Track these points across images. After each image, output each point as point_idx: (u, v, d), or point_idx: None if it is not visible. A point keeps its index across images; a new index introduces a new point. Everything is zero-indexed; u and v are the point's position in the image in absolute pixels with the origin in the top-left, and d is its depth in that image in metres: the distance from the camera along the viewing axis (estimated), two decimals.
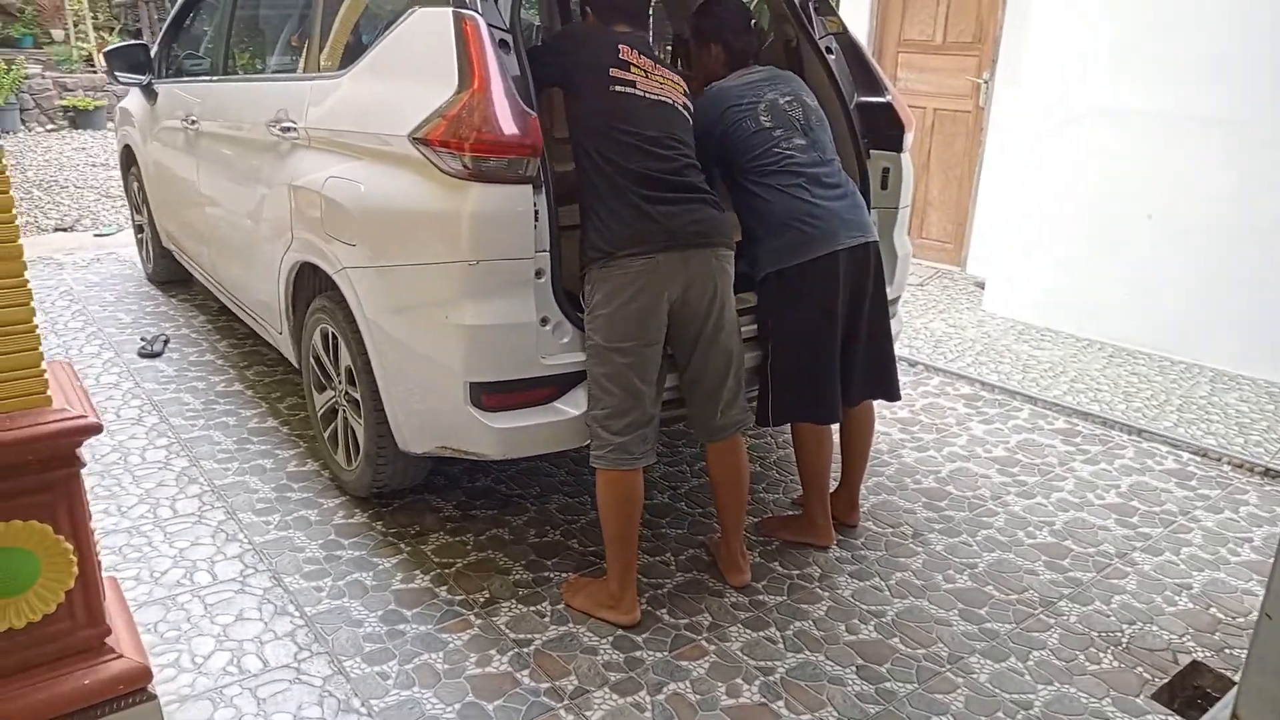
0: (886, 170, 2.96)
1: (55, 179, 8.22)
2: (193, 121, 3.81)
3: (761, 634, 2.35)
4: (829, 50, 2.94)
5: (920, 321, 4.76)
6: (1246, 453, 3.37)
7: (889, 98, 2.91)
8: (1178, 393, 3.90)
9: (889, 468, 3.28)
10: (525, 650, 2.24)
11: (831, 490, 2.94)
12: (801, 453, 2.71)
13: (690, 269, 2.22)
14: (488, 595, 2.46)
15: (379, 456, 2.67)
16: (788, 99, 2.56)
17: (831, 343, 2.55)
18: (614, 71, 2.24)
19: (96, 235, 6.12)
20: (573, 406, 2.34)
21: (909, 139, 2.96)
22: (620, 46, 2.28)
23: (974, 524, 2.92)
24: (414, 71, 2.38)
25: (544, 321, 2.30)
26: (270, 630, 2.27)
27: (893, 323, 3.11)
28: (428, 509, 2.88)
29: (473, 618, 2.36)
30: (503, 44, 2.23)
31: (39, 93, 11.29)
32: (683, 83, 2.41)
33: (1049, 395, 3.85)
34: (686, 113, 2.36)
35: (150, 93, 4.42)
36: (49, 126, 11.30)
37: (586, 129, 2.26)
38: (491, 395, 2.28)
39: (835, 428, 2.71)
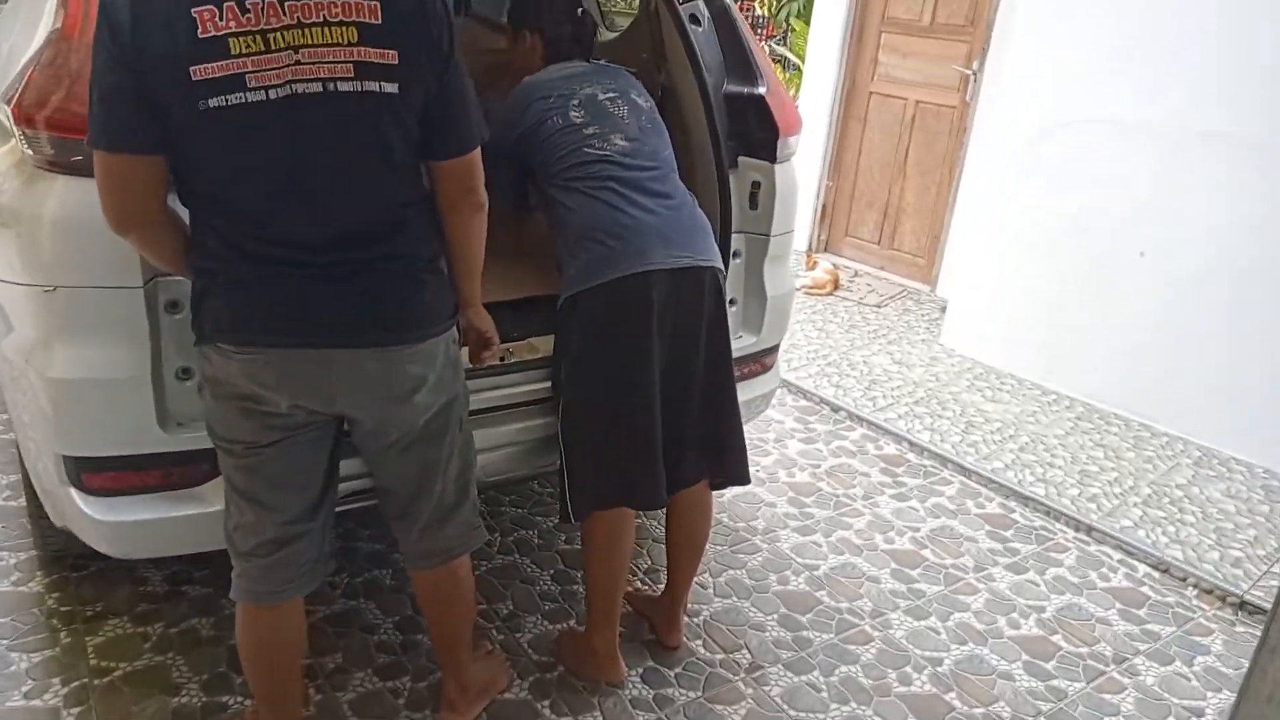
0: (757, 184, 2.23)
1: None
2: None
3: None
4: (694, 20, 2.21)
5: (862, 354, 4.02)
6: (1220, 574, 2.61)
7: (762, 89, 2.18)
8: (1150, 477, 3.14)
9: (756, 556, 2.58)
10: None
11: (657, 593, 2.28)
12: (585, 550, 2.03)
13: (338, 374, 1.44)
14: None
15: (39, 514, 2.03)
16: (611, 95, 1.99)
17: (641, 398, 1.87)
18: (198, 71, 1.23)
19: None
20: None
21: (788, 146, 2.23)
22: (197, 12, 1.22)
23: (835, 656, 2.22)
24: (35, 12, 1.71)
25: (183, 374, 1.64)
26: None
27: (764, 379, 2.42)
28: (128, 579, 2.24)
29: None
30: None
31: None
32: (374, 5, 1.30)
33: (988, 467, 3.11)
34: (369, 93, 1.32)
35: None
36: None
37: (182, 187, 1.37)
38: (94, 474, 1.62)
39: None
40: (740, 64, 2.20)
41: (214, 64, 1.24)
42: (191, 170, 1.33)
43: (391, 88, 1.34)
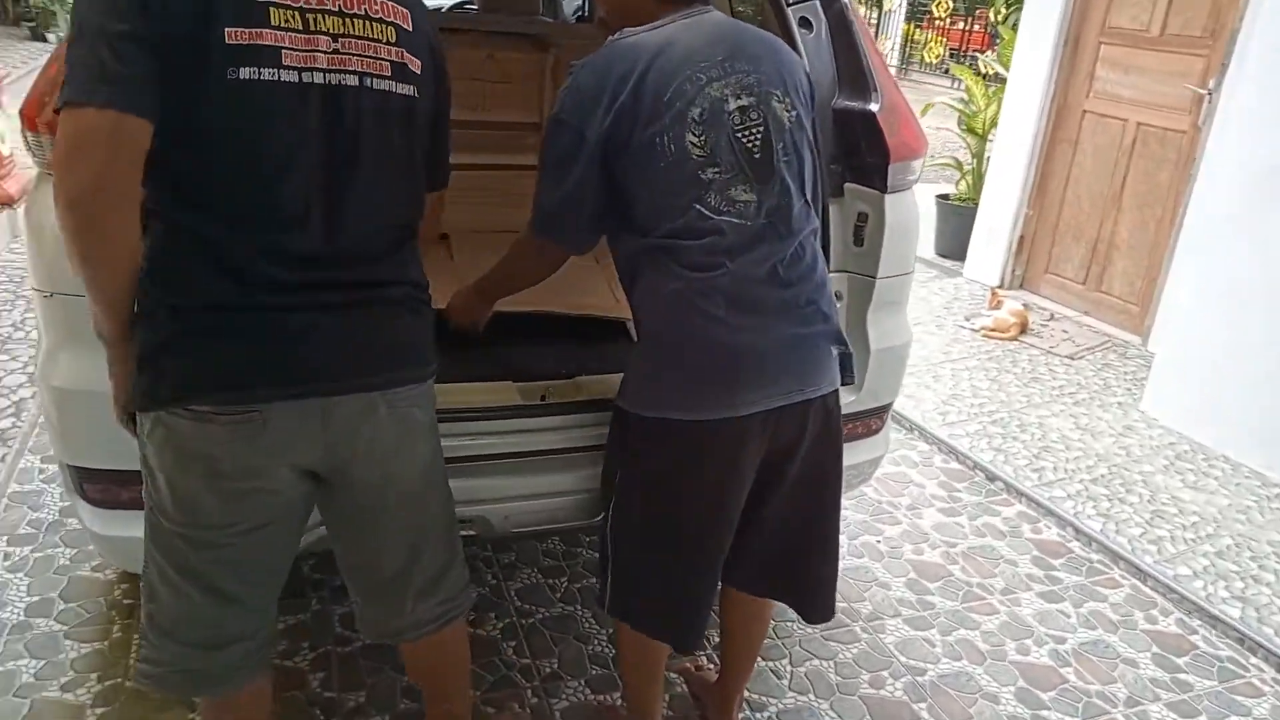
0: (863, 217, 1.90)
1: None
2: None
3: None
4: (805, 24, 1.91)
5: (1038, 414, 3.47)
6: None
7: (875, 106, 1.84)
8: None
9: (851, 647, 2.22)
10: None
11: (714, 676, 1.99)
12: (619, 649, 1.78)
13: (335, 427, 1.24)
14: None
15: None
16: (745, 102, 1.39)
17: (704, 545, 1.55)
18: (233, 34, 1.08)
19: None
20: None
21: (907, 171, 1.88)
22: None
23: None
24: None
25: None
26: None
27: (866, 444, 2.08)
28: None
29: None
30: None
31: None
32: (405, 11, 1.23)
33: (1170, 572, 2.54)
34: (402, 95, 1.23)
35: None
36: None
37: (170, 190, 1.14)
38: (95, 485, 1.58)
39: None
40: (854, 76, 1.88)
41: (251, 29, 1.09)
42: (193, 159, 1.11)
43: (416, 96, 1.26)
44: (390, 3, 1.22)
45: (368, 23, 1.19)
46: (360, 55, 1.18)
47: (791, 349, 1.46)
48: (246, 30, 1.09)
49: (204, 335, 1.15)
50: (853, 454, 2.06)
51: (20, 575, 2.16)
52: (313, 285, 1.20)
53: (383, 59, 1.20)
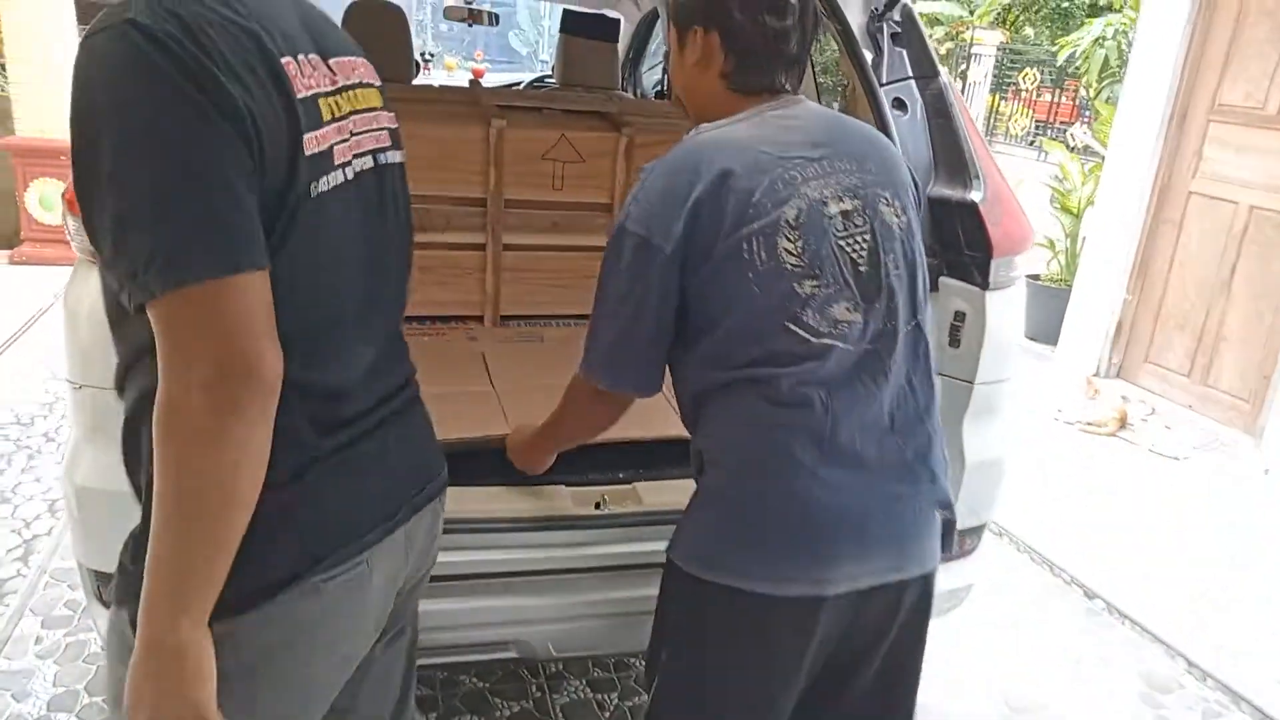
0: (960, 315, 1.71)
1: None
2: None
3: None
4: (899, 105, 1.76)
5: (1142, 520, 3.16)
6: None
7: (976, 195, 1.66)
8: None
9: None
10: None
11: None
12: None
13: (416, 547, 1.08)
14: None
15: None
16: (848, 205, 1.20)
17: None
18: (309, 141, 0.87)
19: None
20: None
21: (1009, 268, 1.69)
22: (285, 62, 0.86)
23: None
24: None
25: None
26: None
27: (957, 569, 1.87)
28: None
29: None
30: None
31: None
32: (369, 65, 1.04)
33: None
34: (400, 164, 1.06)
35: None
36: None
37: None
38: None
39: None
40: (953, 162, 1.71)
41: (315, 133, 0.89)
42: (284, 294, 0.85)
43: (403, 161, 1.08)
44: (362, 60, 1.02)
45: (362, 91, 1.00)
46: (368, 130, 0.99)
47: (893, 514, 1.21)
48: (313, 135, 0.88)
49: (305, 496, 0.93)
50: (942, 579, 1.85)
51: (49, 662, 2.07)
52: (374, 405, 1.01)
53: (383, 128, 1.02)
